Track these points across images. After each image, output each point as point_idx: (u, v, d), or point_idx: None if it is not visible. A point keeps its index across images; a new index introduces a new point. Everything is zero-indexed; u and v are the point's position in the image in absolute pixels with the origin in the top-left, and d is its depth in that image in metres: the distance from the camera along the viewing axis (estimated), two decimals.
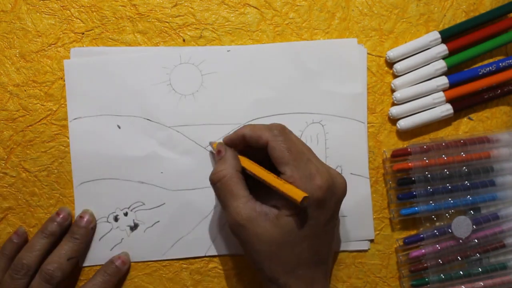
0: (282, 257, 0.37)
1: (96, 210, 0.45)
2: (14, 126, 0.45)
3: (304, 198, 0.35)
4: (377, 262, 0.47)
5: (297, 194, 0.35)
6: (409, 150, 0.45)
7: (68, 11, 0.46)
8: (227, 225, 0.45)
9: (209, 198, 0.46)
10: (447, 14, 0.48)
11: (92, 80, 0.45)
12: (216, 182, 0.39)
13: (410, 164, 0.45)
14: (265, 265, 0.38)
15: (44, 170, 0.45)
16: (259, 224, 0.37)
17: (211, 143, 0.45)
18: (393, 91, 0.47)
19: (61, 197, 0.45)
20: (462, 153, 0.45)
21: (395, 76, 0.47)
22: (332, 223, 0.39)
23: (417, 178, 0.45)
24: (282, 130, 0.39)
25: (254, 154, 0.41)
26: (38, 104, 0.46)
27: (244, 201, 0.38)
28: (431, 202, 0.46)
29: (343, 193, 0.39)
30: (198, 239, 0.46)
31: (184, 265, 0.46)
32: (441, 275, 0.45)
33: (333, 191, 0.37)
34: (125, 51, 0.46)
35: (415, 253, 0.45)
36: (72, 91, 0.45)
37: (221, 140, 0.43)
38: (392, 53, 0.46)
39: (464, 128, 0.48)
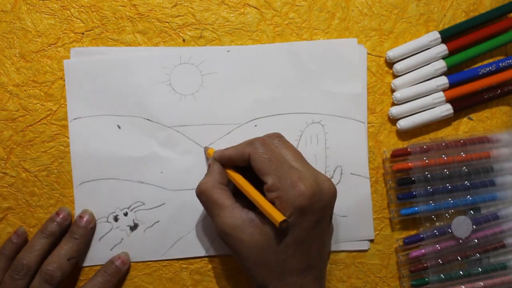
0: (268, 264, 0.38)
1: (96, 210, 0.45)
2: (14, 126, 0.45)
3: (282, 221, 0.36)
4: (377, 262, 0.47)
5: (276, 217, 0.36)
6: (409, 150, 0.45)
7: (68, 11, 0.46)
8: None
9: None
10: (447, 14, 0.48)
11: (92, 80, 0.45)
12: (199, 194, 0.41)
13: (410, 164, 0.45)
14: (254, 271, 0.38)
15: (44, 170, 0.45)
16: (245, 231, 0.38)
17: (205, 148, 0.45)
18: (393, 91, 0.47)
19: (61, 197, 0.45)
20: (462, 153, 0.45)
21: (395, 76, 0.47)
22: (319, 228, 0.39)
23: (417, 178, 0.45)
24: (262, 142, 0.39)
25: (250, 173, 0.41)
26: (38, 104, 0.46)
27: (230, 209, 0.39)
28: (431, 202, 0.46)
29: (331, 198, 0.39)
30: (198, 239, 0.46)
31: (184, 265, 0.46)
32: (441, 275, 0.45)
33: (318, 197, 0.37)
34: (125, 51, 0.46)
35: (415, 253, 0.45)
36: (72, 91, 0.45)
37: (213, 148, 0.44)
38: (392, 53, 0.46)
39: (464, 128, 0.48)
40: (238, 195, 0.41)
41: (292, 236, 0.37)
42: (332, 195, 0.39)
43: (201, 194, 0.41)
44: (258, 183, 0.39)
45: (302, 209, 0.37)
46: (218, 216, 0.39)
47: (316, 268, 0.39)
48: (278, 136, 0.41)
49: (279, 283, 0.38)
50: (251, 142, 0.40)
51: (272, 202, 0.37)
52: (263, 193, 0.39)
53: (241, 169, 0.41)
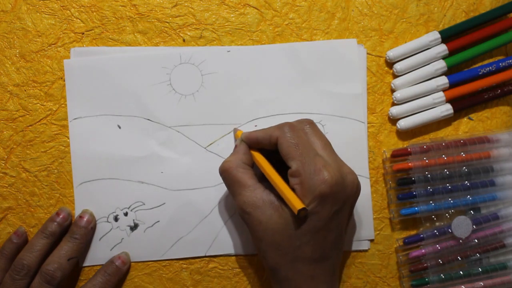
0: (283, 248, 0.38)
1: (96, 210, 0.45)
2: (14, 126, 0.45)
3: (301, 209, 0.36)
4: (377, 262, 0.47)
5: (296, 204, 0.36)
6: (409, 150, 0.45)
7: (68, 11, 0.46)
8: (227, 224, 0.45)
9: (209, 198, 0.46)
10: (447, 14, 0.48)
11: (92, 80, 0.45)
12: (222, 172, 0.41)
13: (410, 164, 0.45)
14: (267, 253, 0.39)
15: (44, 170, 0.45)
16: (264, 212, 0.38)
17: (234, 130, 0.45)
18: (393, 91, 0.47)
19: (61, 197, 0.45)
20: (462, 153, 0.45)
21: (395, 76, 0.47)
22: (338, 220, 0.38)
23: (417, 178, 0.45)
24: (291, 127, 0.39)
25: (275, 158, 0.41)
26: (38, 104, 0.46)
27: (251, 189, 0.39)
28: (431, 202, 0.46)
29: (354, 191, 0.39)
30: (198, 239, 0.46)
31: (184, 265, 0.46)
32: (441, 275, 0.45)
33: (340, 187, 0.37)
34: (125, 51, 0.46)
35: (415, 253, 0.45)
36: (72, 91, 0.45)
37: (242, 130, 0.45)
38: (392, 53, 0.46)
39: (464, 128, 0.48)
40: (262, 178, 0.41)
41: (309, 223, 0.37)
42: (355, 189, 0.39)
43: (224, 172, 0.41)
44: (283, 169, 0.39)
45: (322, 197, 0.37)
46: (240, 195, 0.39)
47: (330, 261, 0.39)
48: (309, 123, 0.41)
49: (290, 269, 0.38)
50: (280, 126, 0.40)
51: (294, 188, 0.38)
52: (286, 179, 0.39)
53: (268, 153, 0.41)
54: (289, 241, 0.38)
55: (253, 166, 0.42)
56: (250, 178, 0.40)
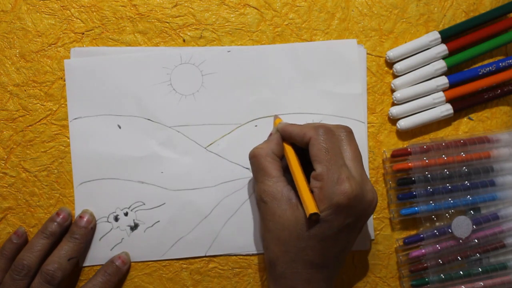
0: (287, 245, 0.38)
1: (96, 210, 0.45)
2: (14, 126, 0.45)
3: (313, 213, 0.36)
4: (377, 262, 0.47)
5: (310, 207, 0.37)
6: (409, 150, 0.46)
7: (68, 11, 0.46)
8: (227, 224, 0.45)
9: (209, 198, 0.46)
10: (447, 14, 0.48)
11: (92, 80, 0.45)
12: (251, 157, 0.42)
13: (410, 164, 0.45)
14: (271, 245, 0.39)
15: (44, 170, 0.45)
16: (280, 205, 0.39)
17: (274, 116, 0.45)
18: (393, 91, 0.47)
19: (61, 197, 0.45)
20: (462, 153, 0.45)
21: (395, 76, 0.47)
22: (347, 233, 0.39)
23: (417, 178, 0.45)
24: (327, 130, 0.39)
25: (304, 157, 0.41)
26: (38, 104, 0.46)
27: (274, 180, 0.39)
28: (431, 202, 0.46)
29: (369, 209, 0.39)
30: (198, 239, 0.46)
31: (184, 265, 0.46)
32: (441, 275, 0.45)
33: (358, 202, 0.37)
34: (125, 51, 0.46)
35: (415, 253, 0.45)
36: (72, 91, 0.45)
37: (281, 118, 0.45)
38: (392, 53, 0.47)
39: (464, 128, 0.48)
40: (287, 172, 0.41)
41: (319, 229, 0.37)
42: (372, 207, 0.39)
43: (253, 157, 0.41)
44: (308, 170, 0.39)
45: (338, 207, 0.37)
46: (262, 183, 0.40)
47: (329, 269, 0.39)
48: (347, 130, 0.41)
49: (288, 267, 0.38)
50: (316, 127, 0.40)
51: (313, 191, 0.38)
52: (309, 179, 0.39)
53: (299, 149, 0.41)
54: (295, 240, 0.38)
55: (282, 158, 0.42)
56: (276, 169, 0.40)
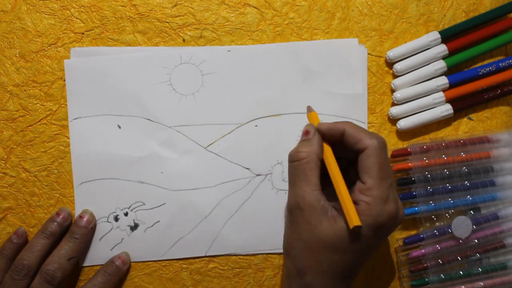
0: (318, 256, 0.37)
1: (96, 210, 0.45)
2: (14, 126, 0.45)
3: (356, 226, 0.36)
4: (377, 262, 0.47)
5: (353, 219, 0.36)
6: (409, 150, 0.46)
7: (68, 11, 0.46)
8: (227, 224, 0.45)
9: (209, 198, 0.46)
10: (447, 14, 0.48)
11: (92, 80, 0.45)
12: (294, 160, 0.39)
13: (410, 164, 0.45)
14: (302, 255, 0.38)
15: (44, 170, 0.45)
16: (316, 215, 0.37)
17: (308, 108, 0.43)
18: (393, 91, 0.47)
19: (61, 197, 0.45)
20: (462, 153, 0.45)
21: (395, 76, 0.47)
22: (375, 248, 0.39)
23: (417, 178, 0.45)
24: (382, 144, 0.38)
25: (335, 148, 0.40)
26: (38, 104, 0.46)
27: (313, 188, 0.38)
28: (431, 202, 0.46)
29: (397, 225, 0.39)
30: (198, 239, 0.46)
31: (184, 265, 0.46)
32: (441, 275, 0.45)
33: (393, 222, 0.38)
34: (125, 51, 0.46)
35: (415, 253, 0.45)
36: (72, 91, 0.45)
37: (316, 112, 0.43)
38: (392, 53, 0.46)
39: (464, 128, 0.48)
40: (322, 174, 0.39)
41: (357, 244, 0.37)
42: (399, 223, 0.39)
43: (296, 162, 0.39)
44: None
45: (380, 226, 0.37)
46: (300, 188, 0.38)
47: (351, 280, 0.39)
48: (386, 144, 0.39)
49: (319, 277, 0.38)
50: (372, 136, 0.38)
51: (357, 203, 0.37)
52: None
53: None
54: (330, 252, 0.37)
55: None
56: (317, 176, 0.38)
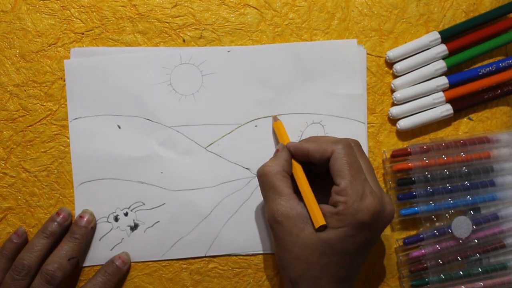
0: (308, 263, 0.37)
1: (96, 210, 0.45)
2: (14, 126, 0.45)
3: (321, 226, 0.37)
4: (377, 262, 0.47)
5: (318, 218, 0.37)
6: (409, 150, 0.46)
7: (68, 11, 0.46)
8: (227, 224, 0.45)
9: (209, 198, 0.46)
10: (447, 14, 0.48)
11: (92, 80, 0.45)
12: (261, 175, 0.40)
13: (410, 164, 0.45)
14: (291, 265, 0.38)
15: (44, 170, 0.45)
16: (296, 224, 0.38)
17: (274, 118, 0.45)
18: (393, 91, 0.47)
19: (61, 197, 0.45)
20: (462, 153, 0.45)
21: (395, 76, 0.47)
22: (368, 246, 0.39)
23: (417, 178, 0.45)
24: (347, 145, 0.39)
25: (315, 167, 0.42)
26: (38, 104, 0.46)
27: (287, 199, 0.39)
28: (431, 202, 0.46)
29: (388, 221, 0.39)
30: (198, 239, 0.46)
31: (184, 265, 0.46)
32: (441, 275, 0.45)
33: (379, 217, 0.37)
34: (125, 51, 0.46)
35: (415, 253, 0.45)
36: (72, 91, 0.45)
37: (281, 121, 0.45)
38: (392, 53, 0.46)
39: (464, 128, 0.48)
40: (296, 190, 0.40)
41: (343, 245, 0.37)
42: (389, 219, 0.39)
43: (263, 176, 0.40)
44: (313, 187, 0.40)
45: (362, 222, 0.36)
46: (274, 202, 0.39)
47: (350, 282, 0.39)
48: (357, 144, 0.40)
49: (312, 285, 0.38)
50: (335, 141, 0.39)
51: (335, 205, 0.37)
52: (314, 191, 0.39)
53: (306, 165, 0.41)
54: (318, 257, 0.37)
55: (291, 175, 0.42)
56: (287, 187, 0.39)
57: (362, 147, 0.46)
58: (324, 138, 0.41)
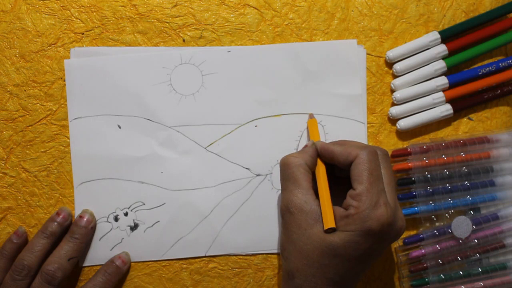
0: (309, 260, 0.38)
1: (96, 210, 0.45)
2: (14, 126, 0.45)
3: (329, 228, 0.37)
4: (377, 262, 0.47)
5: (327, 221, 0.37)
6: (409, 150, 0.46)
7: (68, 11, 0.46)
8: (227, 224, 0.45)
9: (209, 198, 0.46)
10: (446, 14, 0.48)
11: (92, 80, 0.45)
12: (284, 164, 0.41)
13: (410, 164, 0.45)
14: (291, 257, 0.39)
15: (44, 170, 0.45)
16: (307, 219, 0.38)
17: (310, 115, 0.46)
18: (392, 91, 0.47)
19: (61, 197, 0.45)
20: (462, 153, 0.45)
21: (395, 76, 0.47)
22: (372, 256, 0.39)
23: (417, 178, 0.45)
24: (372, 152, 0.39)
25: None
26: (38, 104, 0.46)
27: (303, 192, 0.39)
28: (431, 202, 0.46)
29: (397, 237, 0.39)
30: (198, 239, 0.46)
31: (184, 265, 0.46)
32: (441, 275, 0.45)
33: (388, 229, 0.37)
34: (125, 51, 0.46)
35: (415, 253, 0.45)
36: (72, 91, 0.45)
37: (316, 119, 0.45)
38: (392, 53, 0.47)
39: (464, 128, 0.48)
40: (315, 188, 0.41)
41: (346, 249, 0.37)
42: (398, 235, 0.39)
43: (285, 165, 0.40)
44: (333, 190, 0.40)
45: (369, 230, 0.36)
46: (291, 192, 0.39)
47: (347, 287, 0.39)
48: (383, 153, 0.40)
49: (306, 281, 0.38)
50: (361, 147, 0.39)
51: (347, 208, 0.37)
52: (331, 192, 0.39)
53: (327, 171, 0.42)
54: (319, 256, 0.37)
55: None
56: (307, 181, 0.39)
57: None
58: (352, 143, 0.41)
